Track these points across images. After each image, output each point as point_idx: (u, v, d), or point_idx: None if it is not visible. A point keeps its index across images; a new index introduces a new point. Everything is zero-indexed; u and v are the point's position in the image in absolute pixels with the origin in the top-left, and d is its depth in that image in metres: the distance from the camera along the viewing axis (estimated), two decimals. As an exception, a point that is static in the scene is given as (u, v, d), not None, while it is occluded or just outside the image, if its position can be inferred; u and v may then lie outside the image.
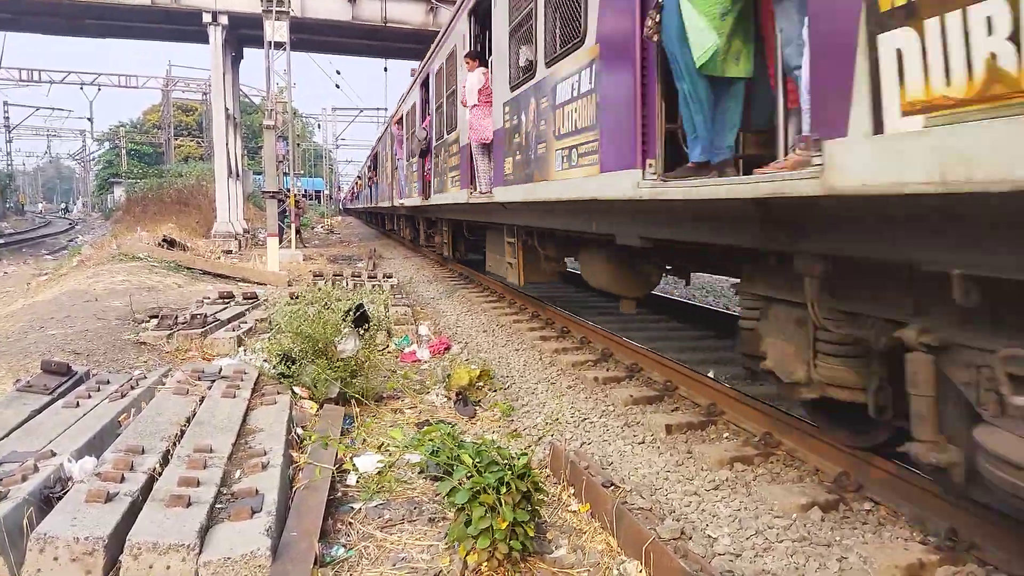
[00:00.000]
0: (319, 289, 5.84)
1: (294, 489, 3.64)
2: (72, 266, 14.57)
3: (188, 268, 13.75)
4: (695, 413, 4.96)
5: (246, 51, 25.96)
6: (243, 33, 22.75)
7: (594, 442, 4.59)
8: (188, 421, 4.30)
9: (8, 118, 52.29)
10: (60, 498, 3.15)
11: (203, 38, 21.88)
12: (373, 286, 11.18)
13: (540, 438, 4.73)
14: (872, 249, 2.73)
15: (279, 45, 20.22)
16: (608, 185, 4.46)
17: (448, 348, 7.41)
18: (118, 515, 2.97)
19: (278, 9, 19.50)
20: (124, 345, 7.05)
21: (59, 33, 24.23)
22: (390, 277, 12.46)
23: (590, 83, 4.80)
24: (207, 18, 21.22)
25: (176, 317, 7.83)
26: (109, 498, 3.09)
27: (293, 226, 25.54)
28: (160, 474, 3.46)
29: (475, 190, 8.67)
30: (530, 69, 6.35)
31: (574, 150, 5.11)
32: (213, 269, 13.88)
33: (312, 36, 24.17)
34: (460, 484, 3.10)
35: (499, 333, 8.29)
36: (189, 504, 3.09)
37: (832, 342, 3.39)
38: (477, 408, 5.53)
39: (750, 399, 4.65)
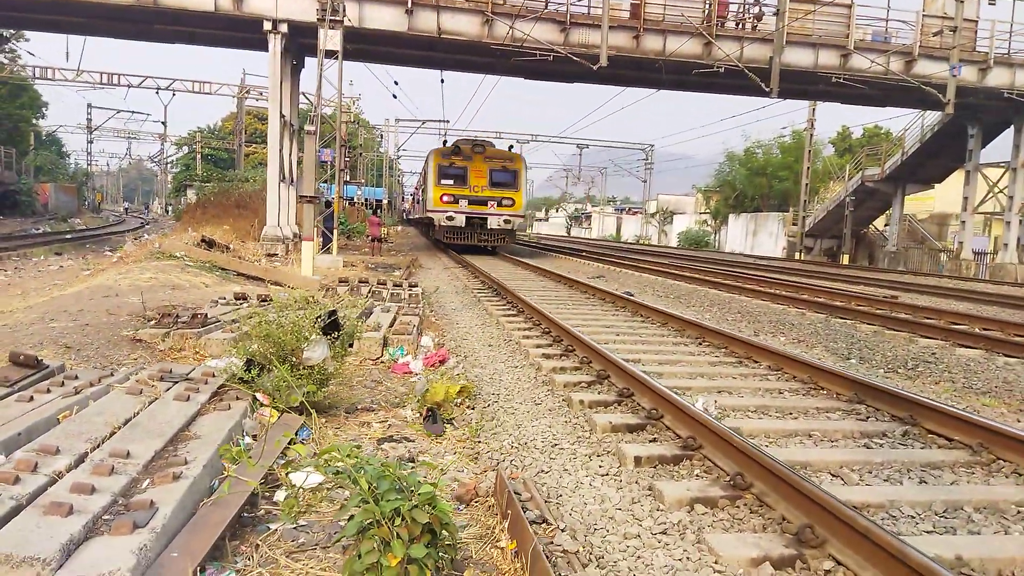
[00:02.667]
0: (291, 296, 5.65)
1: (202, 504, 3.40)
2: (112, 262, 14.92)
3: (222, 269, 13.90)
4: (672, 445, 4.55)
5: (307, 60, 26.40)
6: (303, 42, 23.08)
7: (554, 471, 4.23)
8: (126, 423, 4.15)
9: (91, 119, 54.89)
10: (-54, 498, 3.00)
11: (264, 46, 22.30)
12: (392, 294, 11.04)
13: (499, 463, 4.40)
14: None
15: (333, 54, 20.49)
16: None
17: (444, 361, 7.14)
18: (-11, 521, 2.79)
19: (332, 18, 19.77)
20: (120, 341, 7.03)
21: (129, 37, 25.11)
22: (415, 286, 12.30)
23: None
24: (267, 26, 21.59)
25: (178, 316, 7.80)
26: (-11, 501, 2.92)
27: (371, 236, 26.23)
28: (63, 477, 3.29)
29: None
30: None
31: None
32: (246, 271, 14.00)
33: (370, 47, 24.44)
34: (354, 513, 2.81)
35: (504, 347, 7.98)
36: (70, 513, 2.89)
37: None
38: (449, 426, 5.23)
39: (730, 433, 4.20)
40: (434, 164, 26.20)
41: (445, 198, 25.56)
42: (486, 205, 25.60)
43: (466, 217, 25.56)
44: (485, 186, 25.77)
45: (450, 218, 25.45)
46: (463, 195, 25.60)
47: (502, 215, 25.80)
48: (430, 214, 26.41)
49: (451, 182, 25.81)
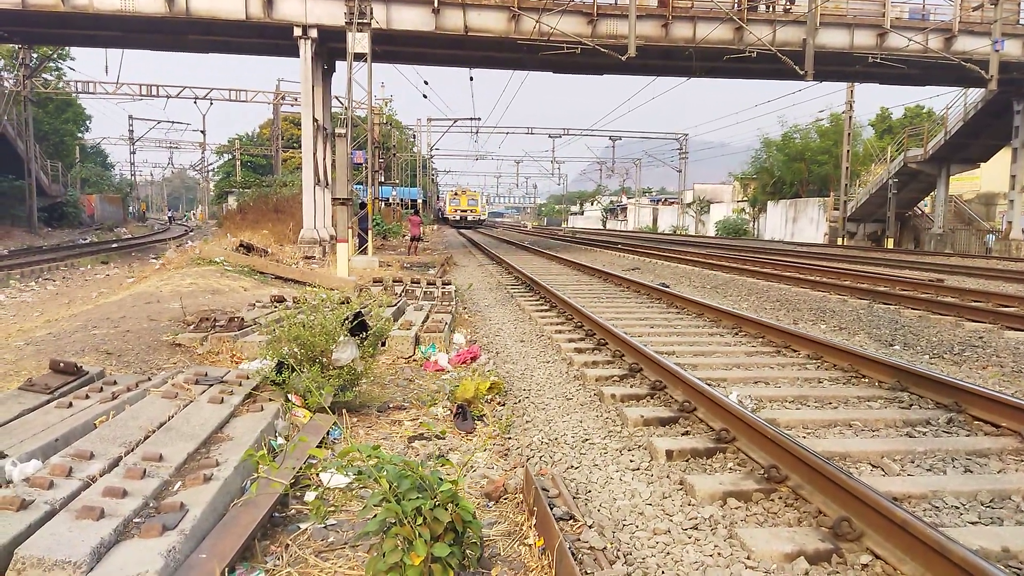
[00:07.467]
0: (317, 296, 5.68)
1: (232, 505, 3.43)
2: (155, 269, 15.25)
3: (260, 272, 14.11)
4: (705, 438, 4.47)
5: (338, 64, 26.64)
6: (333, 46, 23.27)
7: (584, 466, 4.18)
8: (161, 426, 4.21)
9: (132, 130, 56.28)
10: (-16, 503, 3.06)
11: (296, 51, 22.58)
12: (426, 292, 11.08)
13: (528, 459, 4.37)
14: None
15: (363, 56, 20.64)
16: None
17: (475, 358, 7.13)
18: (23, 525, 2.85)
19: (360, 21, 19.91)
20: (159, 346, 7.17)
21: (164, 49, 25.66)
22: (448, 284, 12.33)
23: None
24: (298, 32, 21.86)
25: (215, 320, 7.92)
26: (23, 506, 2.98)
27: (409, 235, 27.00)
28: (96, 482, 3.35)
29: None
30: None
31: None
32: (284, 274, 14.19)
33: (398, 48, 24.57)
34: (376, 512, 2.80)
35: (536, 343, 7.94)
36: (101, 517, 2.94)
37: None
38: (479, 423, 5.22)
39: (764, 425, 4.10)
40: (449, 197, 70.15)
41: (452, 210, 67.55)
42: (467, 212, 67.16)
43: (460, 216, 66.24)
44: (466, 205, 67.63)
45: (454, 217, 66.36)
46: (459, 208, 67.39)
47: (475, 215, 67.82)
48: (446, 216, 68.56)
49: (454, 204, 67.80)
